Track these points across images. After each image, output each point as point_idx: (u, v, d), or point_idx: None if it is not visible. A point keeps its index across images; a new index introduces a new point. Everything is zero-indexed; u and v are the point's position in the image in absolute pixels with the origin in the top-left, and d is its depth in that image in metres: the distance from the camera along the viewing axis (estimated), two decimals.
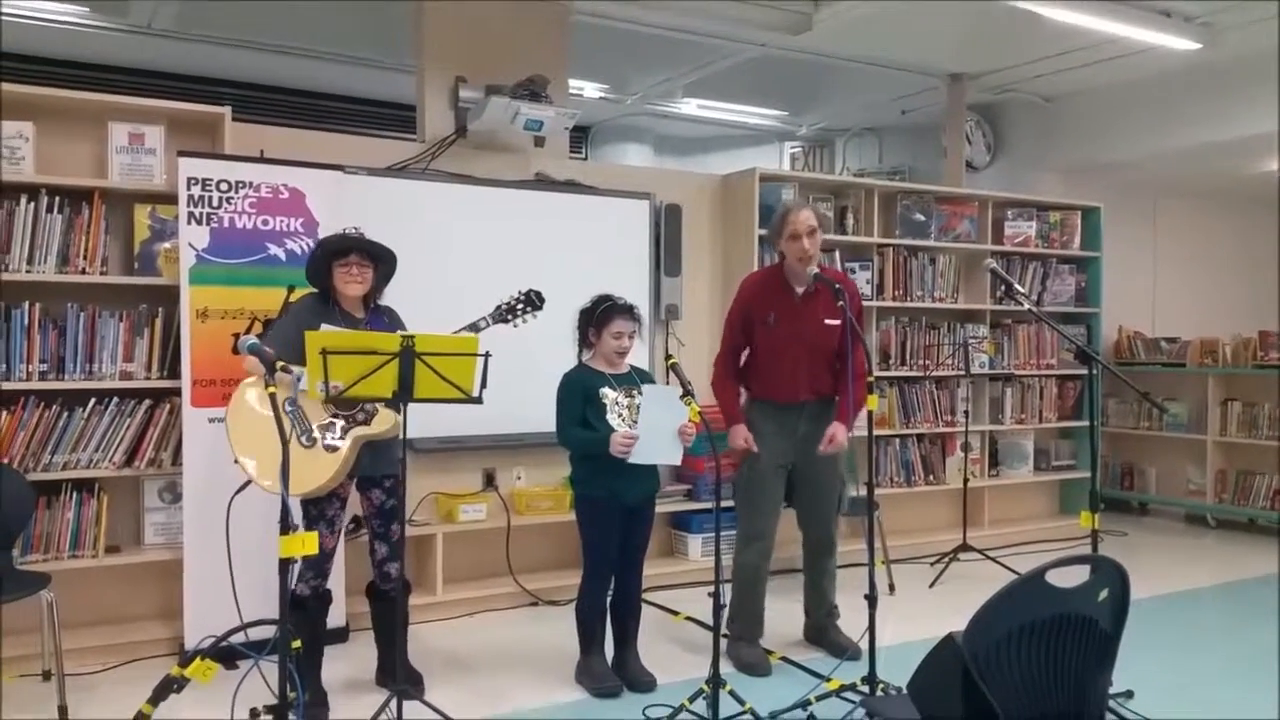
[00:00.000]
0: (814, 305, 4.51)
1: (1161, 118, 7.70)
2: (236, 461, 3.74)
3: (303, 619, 3.87)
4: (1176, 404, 8.05)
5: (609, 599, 4.32)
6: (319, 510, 3.93)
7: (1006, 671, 2.17)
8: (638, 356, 4.58)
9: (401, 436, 3.65)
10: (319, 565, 3.95)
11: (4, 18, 6.55)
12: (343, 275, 3.93)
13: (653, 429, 4.03)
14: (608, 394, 4.18)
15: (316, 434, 3.79)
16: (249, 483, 3.74)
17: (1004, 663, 2.17)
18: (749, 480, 4.55)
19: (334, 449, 3.78)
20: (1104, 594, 2.29)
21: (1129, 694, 4.02)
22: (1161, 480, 8.36)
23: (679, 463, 4.28)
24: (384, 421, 3.85)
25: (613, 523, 4.21)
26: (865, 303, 6.52)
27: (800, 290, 4.52)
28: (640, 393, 4.18)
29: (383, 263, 4.04)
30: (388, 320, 4.08)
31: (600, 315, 4.20)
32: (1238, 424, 7.68)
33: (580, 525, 4.31)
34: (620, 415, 4.16)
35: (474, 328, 4.01)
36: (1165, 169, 8.39)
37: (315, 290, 4.04)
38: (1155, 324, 8.95)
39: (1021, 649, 2.18)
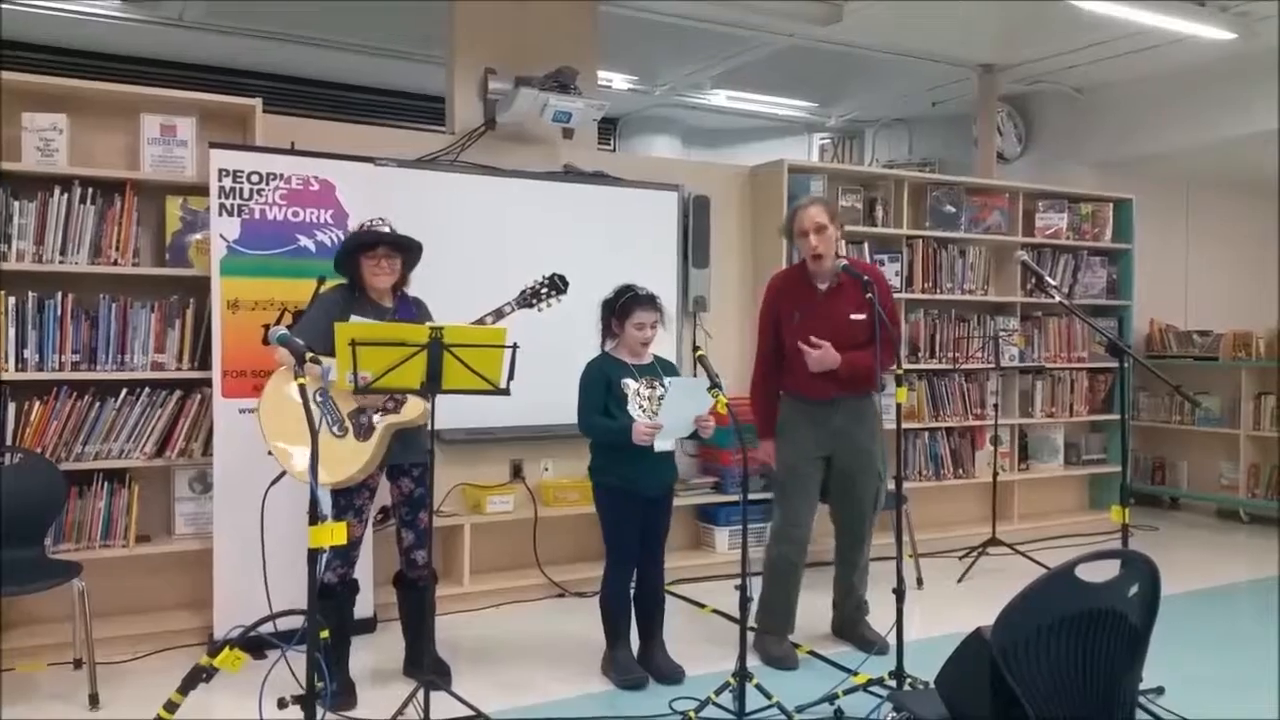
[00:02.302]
0: (838, 300, 4.47)
1: (1195, 109, 7.62)
2: (270, 453, 3.76)
3: (330, 608, 3.90)
4: (1209, 398, 7.96)
5: (632, 590, 4.33)
6: (348, 499, 3.95)
7: (1035, 667, 2.16)
8: (666, 348, 4.58)
9: (431, 427, 3.66)
10: (346, 554, 3.98)
11: (38, 10, 6.61)
12: (371, 267, 3.95)
13: (675, 417, 4.03)
14: (629, 384, 4.18)
15: (348, 424, 3.82)
16: (284, 474, 3.76)
17: (1033, 658, 2.15)
18: (785, 475, 4.53)
19: (364, 439, 3.81)
20: (1134, 589, 2.27)
21: (1159, 690, 3.98)
22: (1193, 475, 8.28)
23: (687, 435, 4.27)
24: (414, 409, 3.87)
25: (632, 512, 4.21)
26: (895, 294, 6.48)
27: (823, 286, 4.49)
28: (662, 384, 4.18)
29: (409, 253, 4.06)
30: (416, 310, 4.10)
31: (622, 306, 4.20)
32: (1271, 418, 7.58)
33: (600, 515, 4.32)
34: (641, 406, 4.15)
35: (499, 314, 4.03)
36: (1198, 161, 8.29)
37: (344, 281, 4.07)
38: (1187, 317, 8.85)
39: (1051, 644, 2.16)
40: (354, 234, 4.02)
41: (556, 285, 4.22)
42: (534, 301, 4.18)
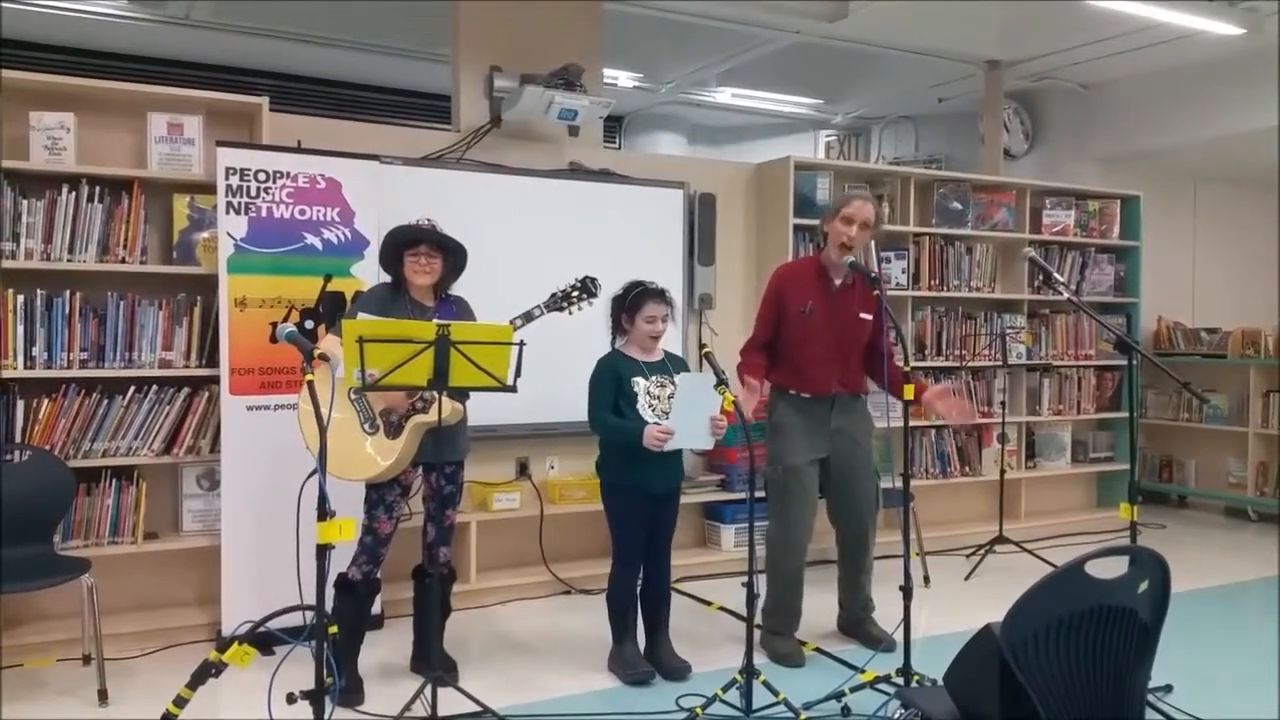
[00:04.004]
0: (849, 298, 4.49)
1: (1202, 105, 7.60)
2: (309, 447, 3.77)
3: (349, 604, 3.93)
4: (1217, 395, 7.94)
5: (639, 587, 4.33)
6: (379, 495, 3.97)
7: (1045, 663, 2.15)
8: (672, 346, 4.57)
9: (437, 424, 3.66)
10: (373, 551, 3.99)
11: (45, 10, 6.63)
12: (412, 265, 3.96)
13: (686, 417, 4.02)
14: (639, 383, 4.17)
15: (379, 421, 3.83)
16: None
17: (1042, 655, 2.15)
18: (782, 477, 4.52)
19: (394, 437, 3.82)
20: (1144, 586, 2.26)
21: (1168, 688, 3.98)
22: (1201, 473, 8.26)
23: (710, 447, 4.28)
24: (445, 408, 3.87)
25: (639, 509, 4.21)
26: (901, 292, 6.53)
27: (838, 282, 4.49)
28: (674, 382, 4.18)
29: (452, 254, 4.06)
30: (457, 310, 4.09)
31: (632, 300, 4.19)
32: (1279, 416, 7.57)
33: (608, 513, 4.31)
34: (651, 406, 4.14)
35: (528, 316, 4.00)
36: (1206, 157, 8.28)
37: (389, 279, 4.09)
38: (1195, 314, 8.83)
39: (1060, 641, 2.16)
40: (395, 230, 4.01)
41: (588, 288, 4.20)
42: (564, 305, 4.15)
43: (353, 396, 3.84)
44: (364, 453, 3.82)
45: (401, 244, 3.97)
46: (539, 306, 4.08)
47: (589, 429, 4.27)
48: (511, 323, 3.87)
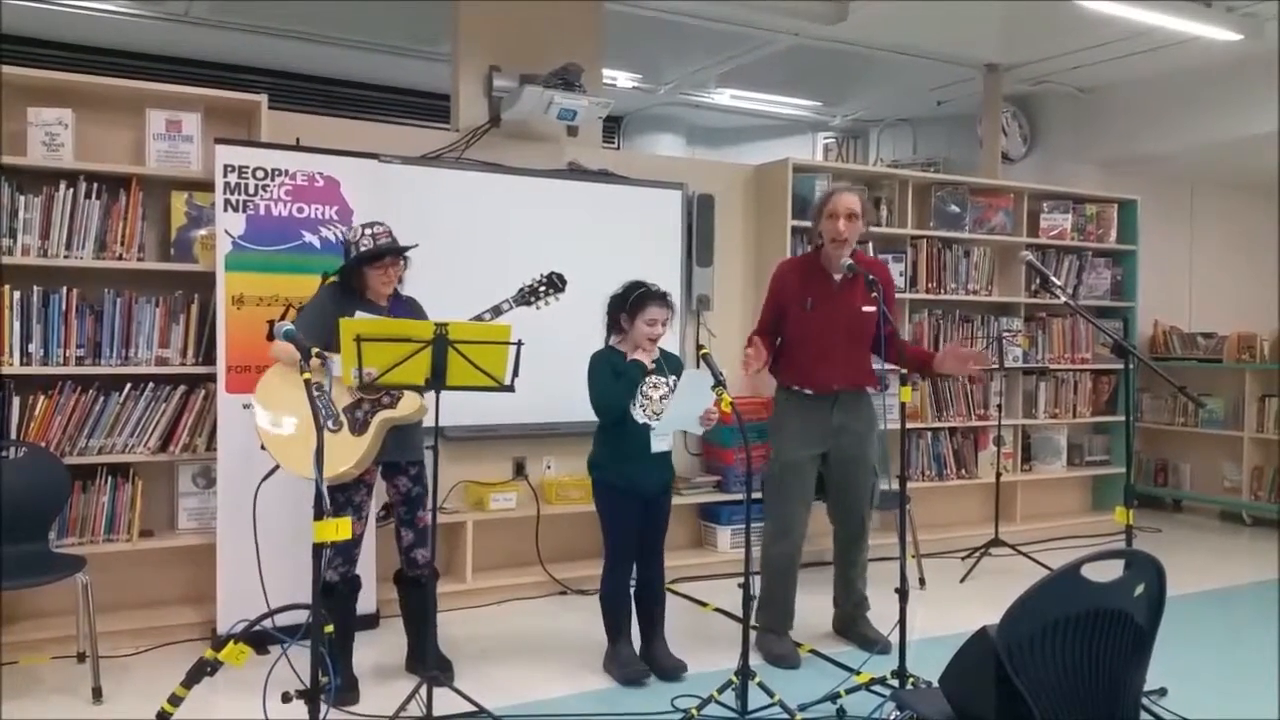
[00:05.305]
0: (851, 293, 4.47)
1: (1200, 109, 7.61)
2: (263, 448, 3.77)
3: (332, 605, 3.90)
4: (1212, 399, 7.94)
5: (633, 588, 4.33)
6: (345, 497, 3.95)
7: (1040, 666, 2.15)
8: (669, 346, 4.56)
9: (435, 424, 3.67)
10: (348, 552, 3.98)
11: (45, 6, 6.62)
12: (379, 276, 3.98)
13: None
14: None
15: (343, 419, 3.82)
16: (276, 468, 3.77)
17: (1038, 657, 2.15)
18: (780, 472, 4.53)
19: (360, 433, 3.81)
20: (1139, 589, 2.27)
21: (1162, 691, 3.98)
22: (1196, 477, 8.26)
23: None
24: (409, 405, 3.87)
25: (630, 509, 4.21)
26: (899, 294, 6.50)
27: (838, 278, 4.49)
28: (666, 381, 4.18)
29: (404, 257, 4.09)
30: (409, 309, 4.11)
31: (634, 302, 4.17)
32: (1275, 420, 7.57)
33: (600, 512, 4.32)
34: (642, 407, 4.14)
35: (497, 310, 4.03)
36: (1203, 161, 8.29)
37: (335, 280, 4.08)
38: (1192, 318, 8.84)
39: (1056, 643, 2.16)
40: (372, 250, 3.96)
41: (554, 284, 4.23)
42: (532, 299, 4.19)
43: (315, 394, 3.82)
44: (328, 452, 3.80)
45: (369, 260, 3.98)
46: (507, 301, 4.12)
47: (586, 428, 4.26)
48: (480, 317, 3.91)
